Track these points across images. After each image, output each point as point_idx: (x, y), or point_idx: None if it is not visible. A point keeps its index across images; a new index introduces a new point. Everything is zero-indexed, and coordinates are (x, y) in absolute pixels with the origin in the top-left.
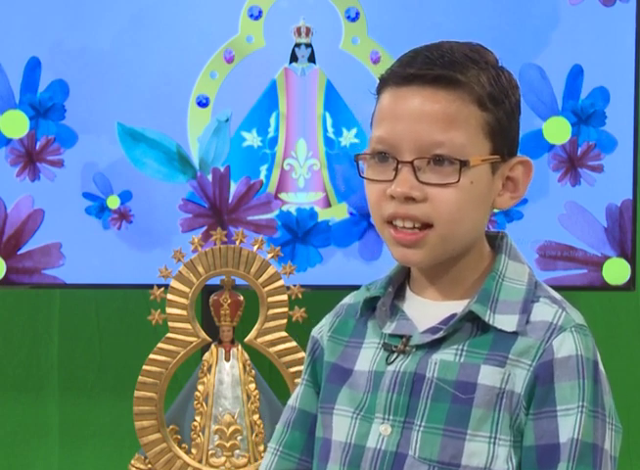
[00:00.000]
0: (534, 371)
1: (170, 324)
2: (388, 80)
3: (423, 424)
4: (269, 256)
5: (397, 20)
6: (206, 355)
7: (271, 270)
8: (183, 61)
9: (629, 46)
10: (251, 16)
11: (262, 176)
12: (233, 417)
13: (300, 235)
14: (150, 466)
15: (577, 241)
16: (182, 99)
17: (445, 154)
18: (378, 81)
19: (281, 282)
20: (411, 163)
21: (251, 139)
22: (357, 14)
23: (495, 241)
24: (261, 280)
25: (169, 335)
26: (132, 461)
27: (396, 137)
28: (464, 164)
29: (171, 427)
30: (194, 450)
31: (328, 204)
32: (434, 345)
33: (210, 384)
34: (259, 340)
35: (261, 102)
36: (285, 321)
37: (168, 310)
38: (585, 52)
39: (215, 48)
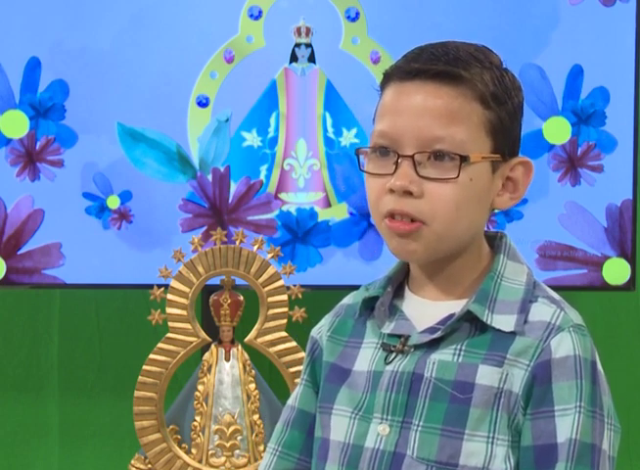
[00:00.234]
0: (532, 371)
1: (170, 324)
2: (392, 75)
3: (421, 424)
4: (269, 256)
5: (397, 20)
6: (206, 355)
7: (271, 270)
8: (183, 61)
9: (629, 46)
10: (251, 16)
11: (262, 176)
12: (233, 417)
13: (300, 235)
14: (150, 466)
15: (577, 241)
16: (182, 99)
17: (446, 149)
18: (382, 77)
19: (281, 282)
20: (412, 157)
21: (251, 139)
22: (357, 14)
23: (494, 241)
24: (261, 280)
25: (169, 335)
26: (132, 461)
27: (398, 131)
28: (464, 159)
29: (171, 427)
30: (194, 450)
31: (328, 204)
32: (433, 345)
33: (210, 384)
34: (259, 340)
35: (261, 102)
36: (285, 321)
37: (168, 310)
38: (585, 52)
39: (215, 48)
